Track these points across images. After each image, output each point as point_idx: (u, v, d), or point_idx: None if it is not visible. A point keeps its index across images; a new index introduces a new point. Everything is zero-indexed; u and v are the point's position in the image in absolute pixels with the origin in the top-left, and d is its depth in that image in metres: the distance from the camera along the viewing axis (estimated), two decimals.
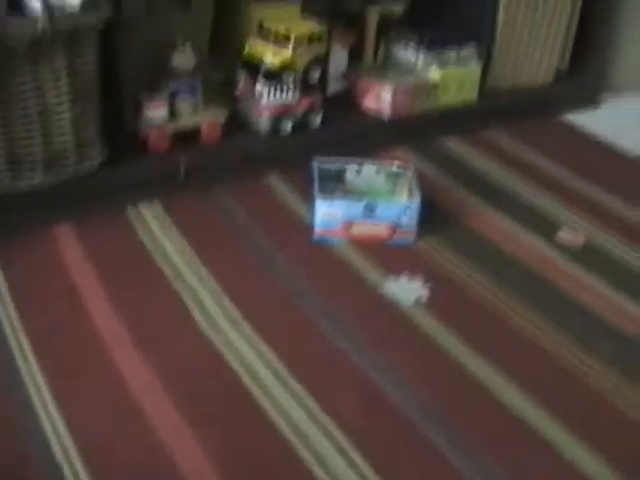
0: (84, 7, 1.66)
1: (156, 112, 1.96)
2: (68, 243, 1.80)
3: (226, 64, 2.16)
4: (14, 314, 1.57)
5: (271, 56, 2.03)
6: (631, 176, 2.36)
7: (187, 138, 2.01)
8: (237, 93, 2.13)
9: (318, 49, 2.10)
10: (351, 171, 2.01)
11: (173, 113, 1.99)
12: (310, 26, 2.09)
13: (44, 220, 1.84)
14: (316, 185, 1.89)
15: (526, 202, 2.13)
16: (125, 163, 1.93)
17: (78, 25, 1.68)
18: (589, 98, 2.86)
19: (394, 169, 2.01)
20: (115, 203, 1.92)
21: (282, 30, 2.04)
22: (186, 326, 1.57)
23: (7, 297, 1.62)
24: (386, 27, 2.47)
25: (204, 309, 1.61)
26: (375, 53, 2.49)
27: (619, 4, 2.90)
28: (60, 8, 1.64)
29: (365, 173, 2.01)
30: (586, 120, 2.72)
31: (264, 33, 2.07)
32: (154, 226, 1.88)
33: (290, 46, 2.03)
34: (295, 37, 2.03)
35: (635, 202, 2.17)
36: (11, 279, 1.67)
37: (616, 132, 2.61)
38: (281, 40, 2.04)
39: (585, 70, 2.84)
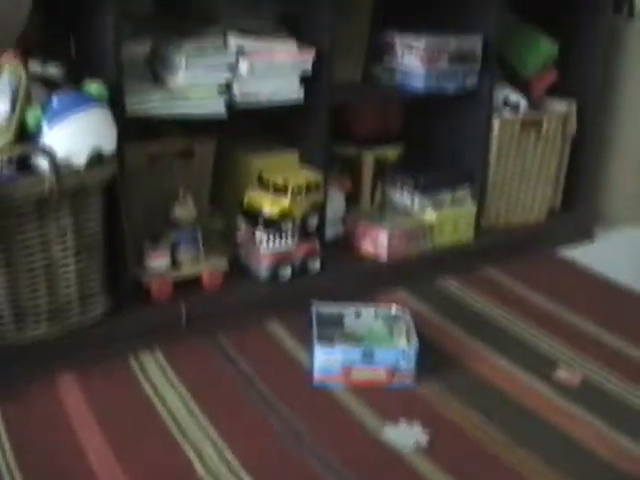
0: (90, 165, 1.73)
1: (158, 262, 2.02)
2: (70, 393, 1.82)
3: (226, 212, 2.23)
4: (14, 464, 1.57)
5: (270, 206, 2.10)
6: (628, 311, 2.39)
7: (189, 285, 2.06)
8: (238, 240, 2.19)
9: (315, 197, 2.17)
10: (349, 315, 2.05)
11: (175, 262, 2.05)
12: (307, 175, 2.17)
13: (47, 369, 1.86)
14: (315, 331, 1.92)
15: (523, 340, 2.16)
16: (128, 312, 1.97)
17: (84, 182, 1.75)
18: (583, 232, 2.92)
19: (392, 312, 2.05)
20: (118, 352, 1.96)
21: (280, 181, 2.11)
22: (188, 478, 1.58)
23: (7, 447, 1.63)
24: (381, 171, 2.56)
25: (205, 461, 1.62)
26: (372, 197, 2.57)
27: (608, 142, 3.00)
28: (67, 166, 1.71)
29: (363, 317, 2.05)
30: (581, 255, 2.77)
31: (263, 183, 2.14)
32: (156, 375, 1.90)
33: (288, 196, 2.10)
34: (293, 187, 2.10)
35: (632, 338, 2.19)
36: (13, 429, 1.68)
37: (611, 266, 2.66)
38: (279, 190, 2.11)
39: (578, 205, 2.91)
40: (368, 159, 2.54)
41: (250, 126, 2.23)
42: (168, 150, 2.08)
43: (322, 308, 2.03)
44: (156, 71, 2.00)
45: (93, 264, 1.86)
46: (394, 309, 2.05)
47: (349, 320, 2.05)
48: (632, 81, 3.00)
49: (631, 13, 3.14)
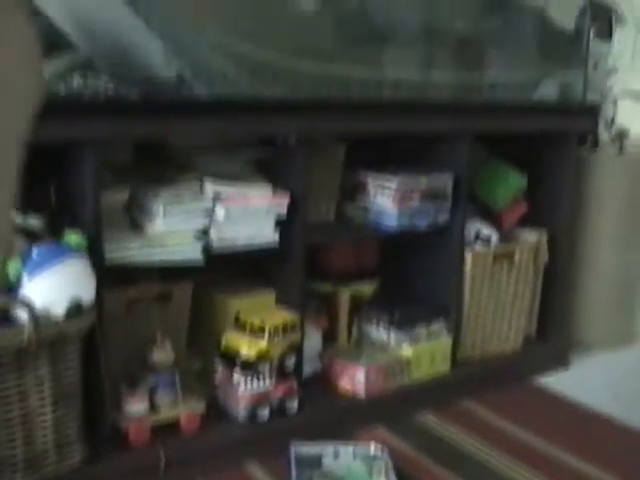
0: (68, 315, 1.76)
1: (136, 406, 2.02)
2: None
3: (204, 353, 2.24)
4: None
5: (247, 348, 2.12)
6: (605, 439, 2.40)
7: (167, 429, 2.06)
8: (215, 382, 2.20)
9: (293, 337, 2.19)
10: (328, 456, 2.05)
11: (153, 406, 2.05)
12: (284, 316, 2.20)
13: None
14: (293, 473, 1.92)
15: (502, 474, 2.15)
16: (106, 458, 1.96)
17: (62, 332, 1.77)
18: (559, 360, 2.95)
19: (370, 452, 2.05)
20: None
21: (257, 322, 2.14)
22: None
23: None
24: (358, 307, 2.60)
25: None
26: (348, 333, 2.60)
27: (580, 269, 3.06)
28: (45, 317, 1.73)
29: (342, 457, 2.06)
30: (557, 383, 2.80)
31: (240, 325, 2.17)
32: None
33: (265, 337, 2.13)
34: (269, 329, 2.13)
35: (611, 467, 2.19)
36: None
37: (587, 393, 2.69)
38: (256, 331, 2.13)
39: (552, 332, 2.95)
40: (344, 296, 2.58)
41: (227, 268, 2.27)
42: (146, 295, 2.11)
43: (300, 448, 2.03)
44: (134, 218, 2.05)
45: (70, 412, 1.86)
46: (372, 448, 2.06)
47: (328, 460, 2.05)
48: (599, 209, 3.08)
49: (595, 144, 3.26)
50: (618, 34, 3.44)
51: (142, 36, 1.93)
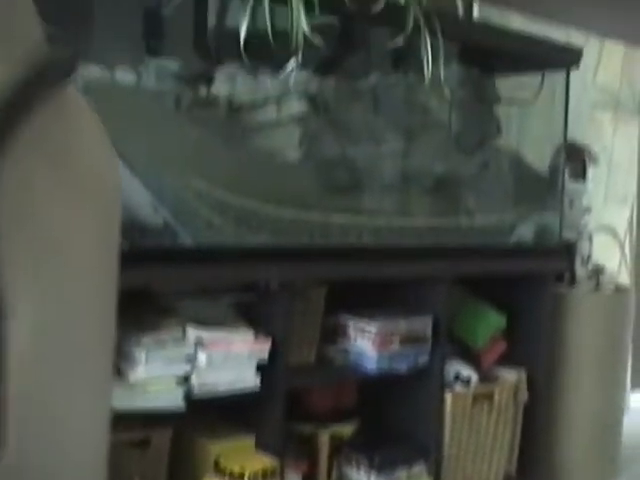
0: None
1: None
2: None
3: None
4: None
5: None
6: None
7: None
8: None
9: None
10: None
11: None
12: (264, 461, 2.18)
13: None
14: None
15: None
16: None
17: None
18: None
19: None
20: None
21: (237, 468, 2.12)
22: None
23: None
24: (337, 449, 2.58)
25: None
26: (328, 475, 2.57)
27: (559, 407, 3.07)
28: None
29: None
30: None
31: (220, 470, 2.15)
32: None
33: None
34: (249, 475, 2.11)
35: None
36: None
37: None
38: (236, 477, 2.11)
39: (533, 470, 2.94)
40: (324, 437, 2.56)
41: (207, 412, 2.27)
42: (124, 440, 2.10)
43: None
44: (116, 364, 2.06)
45: None
46: None
47: None
48: (578, 346, 3.12)
49: (572, 280, 3.32)
50: (591, 173, 3.55)
51: (129, 186, 1.98)
